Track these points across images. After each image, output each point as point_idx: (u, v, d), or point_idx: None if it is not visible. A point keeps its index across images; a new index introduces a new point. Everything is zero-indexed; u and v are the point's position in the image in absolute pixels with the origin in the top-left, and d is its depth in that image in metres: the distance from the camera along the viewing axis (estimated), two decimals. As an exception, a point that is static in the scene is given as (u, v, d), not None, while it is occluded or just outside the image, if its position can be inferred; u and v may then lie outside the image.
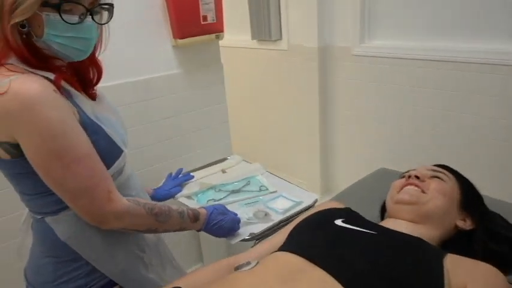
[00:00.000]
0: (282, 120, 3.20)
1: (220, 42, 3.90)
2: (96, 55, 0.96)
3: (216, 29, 1.98)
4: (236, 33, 3.32)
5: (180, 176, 1.50)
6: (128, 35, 1.85)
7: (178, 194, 1.40)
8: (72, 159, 0.79)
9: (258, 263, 0.75)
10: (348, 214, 0.88)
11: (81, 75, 0.94)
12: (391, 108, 2.39)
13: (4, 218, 1.50)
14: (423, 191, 0.92)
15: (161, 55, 1.98)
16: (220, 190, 1.41)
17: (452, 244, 0.89)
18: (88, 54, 0.87)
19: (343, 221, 0.82)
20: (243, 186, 1.42)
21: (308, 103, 2.81)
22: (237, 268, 0.74)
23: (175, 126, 2.13)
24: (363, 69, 2.48)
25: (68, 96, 0.83)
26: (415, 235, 0.85)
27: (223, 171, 1.56)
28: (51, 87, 0.78)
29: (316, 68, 2.66)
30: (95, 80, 0.98)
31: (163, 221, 0.93)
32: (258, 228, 1.18)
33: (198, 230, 1.07)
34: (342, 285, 0.64)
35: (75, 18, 0.79)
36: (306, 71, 2.74)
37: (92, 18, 0.82)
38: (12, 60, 0.78)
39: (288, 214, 1.25)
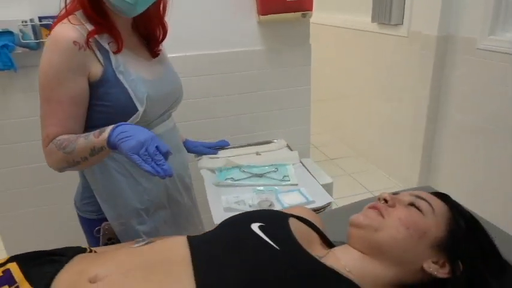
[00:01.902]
0: (386, 111, 2.93)
1: (334, 22, 3.74)
2: (164, 16, 1.08)
3: (302, 7, 1.89)
4: (355, 14, 3.11)
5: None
6: (214, 7, 1.92)
7: (203, 164, 1.44)
8: (45, 97, 0.93)
9: (148, 242, 0.75)
10: (274, 221, 0.79)
11: (150, 33, 1.09)
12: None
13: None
14: (382, 216, 0.77)
15: (245, 30, 2.00)
16: (244, 171, 1.40)
17: None
18: (138, 9, 0.96)
19: (259, 227, 0.74)
20: (268, 173, 1.38)
21: (417, 97, 2.48)
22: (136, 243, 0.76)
23: (253, 102, 2.16)
24: (487, 67, 2.06)
25: (99, 49, 0.95)
26: (358, 270, 0.72)
27: (258, 154, 1.54)
28: (77, 39, 0.90)
29: (431, 59, 2.31)
30: (160, 38, 1.11)
31: (70, 150, 0.90)
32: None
33: (110, 147, 0.87)
34: None
35: None
36: (420, 61, 2.41)
37: None
38: (78, 12, 0.94)
39: (293, 211, 1.17)
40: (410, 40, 2.56)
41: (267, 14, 1.88)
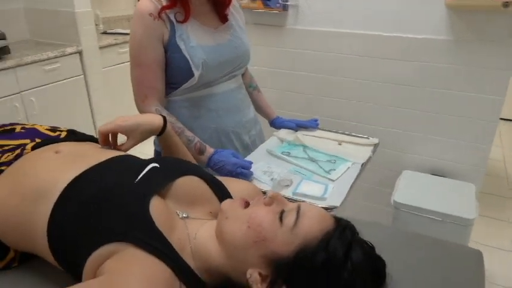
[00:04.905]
0: None
1: None
2: None
3: (507, -8, 1.42)
4: None
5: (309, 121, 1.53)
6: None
7: (277, 133, 1.48)
8: (135, 63, 1.16)
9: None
10: (170, 169, 0.84)
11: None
12: None
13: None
14: (246, 206, 0.75)
15: (430, 15, 1.70)
16: (305, 151, 1.35)
17: None
18: None
19: (153, 166, 0.81)
20: (321, 161, 1.28)
21: None
22: None
23: (417, 98, 1.84)
24: None
25: (167, 20, 1.14)
26: (200, 243, 0.75)
27: (339, 143, 1.41)
28: (152, 11, 1.11)
29: None
30: (226, 2, 1.24)
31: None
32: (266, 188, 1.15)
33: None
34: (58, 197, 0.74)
35: None
36: None
37: None
38: None
39: (299, 198, 1.11)
40: None
41: (454, -2, 1.55)
